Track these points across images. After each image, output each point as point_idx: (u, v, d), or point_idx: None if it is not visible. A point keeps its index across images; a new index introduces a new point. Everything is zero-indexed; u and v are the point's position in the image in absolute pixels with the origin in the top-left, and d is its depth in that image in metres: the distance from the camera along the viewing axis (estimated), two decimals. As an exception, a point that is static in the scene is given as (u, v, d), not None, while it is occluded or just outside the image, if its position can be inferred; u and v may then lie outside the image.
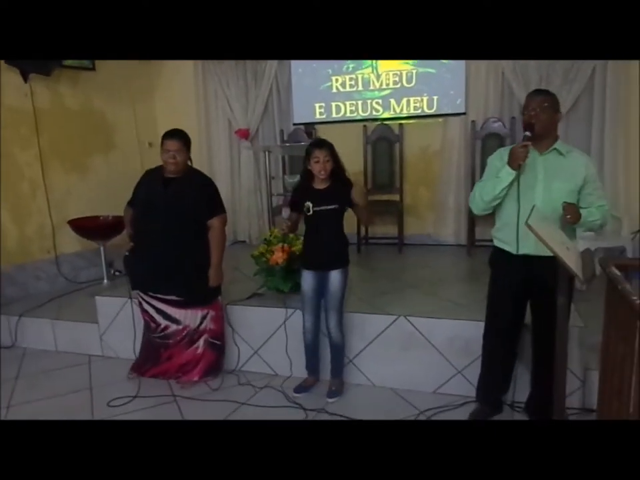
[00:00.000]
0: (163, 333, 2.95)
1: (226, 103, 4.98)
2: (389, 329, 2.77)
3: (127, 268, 2.99)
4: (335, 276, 2.57)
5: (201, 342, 2.92)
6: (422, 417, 2.50)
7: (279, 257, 2.92)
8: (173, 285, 2.80)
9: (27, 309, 3.64)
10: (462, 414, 2.48)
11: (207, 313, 2.90)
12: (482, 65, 4.26)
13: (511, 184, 2.06)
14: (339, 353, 2.73)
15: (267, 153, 3.55)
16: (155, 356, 3.00)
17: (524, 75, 4.12)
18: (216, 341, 2.96)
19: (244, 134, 4.88)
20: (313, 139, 4.54)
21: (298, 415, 2.56)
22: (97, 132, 4.58)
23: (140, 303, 2.99)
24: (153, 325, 2.96)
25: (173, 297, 2.86)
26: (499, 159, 2.17)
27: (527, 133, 2.02)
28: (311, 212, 2.53)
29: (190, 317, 2.89)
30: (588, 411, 2.43)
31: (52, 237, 4.19)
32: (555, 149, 2.09)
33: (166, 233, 2.68)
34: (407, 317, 2.73)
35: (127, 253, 2.90)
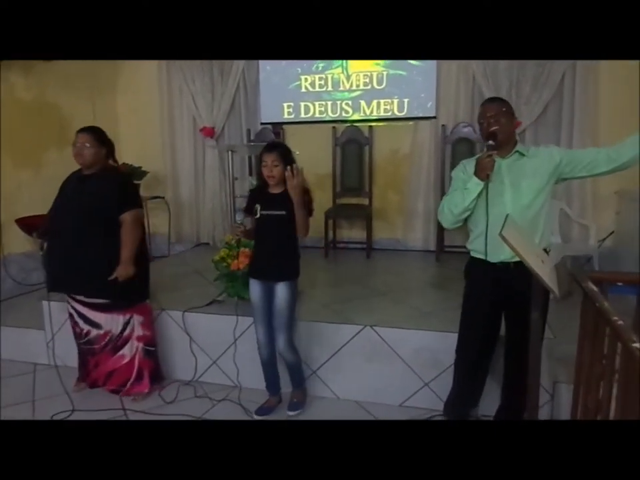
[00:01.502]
0: (86, 339, 2.77)
1: (191, 100, 4.79)
2: (354, 339, 2.65)
3: (44, 268, 2.82)
4: (280, 290, 2.39)
5: (127, 349, 2.74)
6: (387, 432, 2.39)
7: (240, 262, 2.76)
8: (85, 285, 2.63)
9: (-31, 313, 3.38)
10: (428, 428, 2.39)
11: (131, 318, 2.72)
12: (453, 69, 4.22)
13: (479, 194, 1.99)
14: (295, 370, 2.57)
15: (230, 152, 3.38)
16: (85, 364, 2.84)
17: (494, 79, 4.08)
18: (151, 348, 2.80)
19: (209, 132, 4.70)
20: (279, 140, 4.42)
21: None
22: (52, 126, 4.32)
23: (67, 307, 2.82)
24: (77, 330, 2.80)
25: (91, 300, 2.69)
26: (462, 171, 2.13)
27: (491, 142, 1.97)
28: (258, 215, 2.37)
29: (111, 322, 2.71)
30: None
31: (-2, 235, 3.92)
32: (516, 151, 2.06)
33: (77, 230, 2.54)
34: (373, 327, 2.62)
35: (41, 253, 2.75)
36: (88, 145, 2.55)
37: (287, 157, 2.32)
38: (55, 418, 2.54)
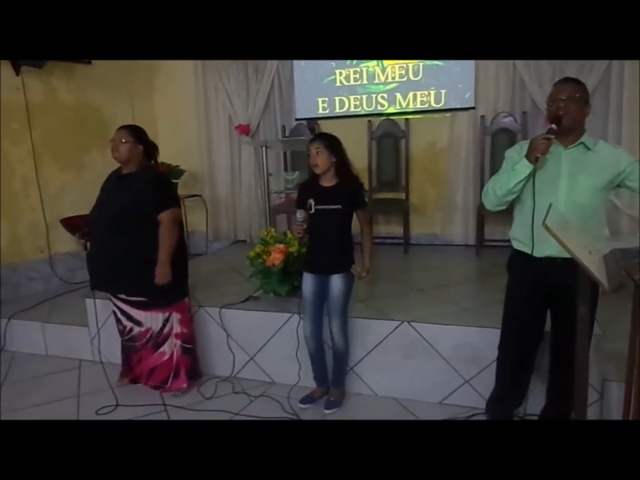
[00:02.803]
0: (129, 336, 2.83)
1: (226, 98, 4.83)
2: (391, 335, 2.61)
3: (88, 267, 2.85)
4: (336, 280, 2.39)
5: (167, 346, 2.78)
6: (427, 430, 2.34)
7: (275, 258, 2.76)
8: (125, 284, 2.68)
9: (18, 311, 3.52)
10: (470, 427, 2.32)
11: (170, 315, 2.74)
12: (492, 57, 4.08)
13: (528, 178, 1.87)
14: (341, 360, 2.56)
15: (264, 148, 3.38)
16: (128, 360, 2.91)
17: (536, 67, 3.92)
18: (188, 345, 2.82)
19: (244, 130, 4.73)
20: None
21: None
22: (93, 128, 4.44)
23: (111, 305, 2.89)
24: (120, 327, 2.86)
25: (132, 298, 2.74)
26: (517, 151, 1.99)
27: (553, 126, 1.83)
28: (313, 210, 2.36)
29: (151, 319, 2.74)
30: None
31: (45, 235, 4.06)
32: (581, 142, 1.90)
33: (116, 229, 2.57)
34: (411, 323, 2.57)
35: (85, 252, 2.81)
36: (123, 140, 2.58)
37: (331, 145, 2.33)
38: (100, 412, 2.61)
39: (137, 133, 2.65)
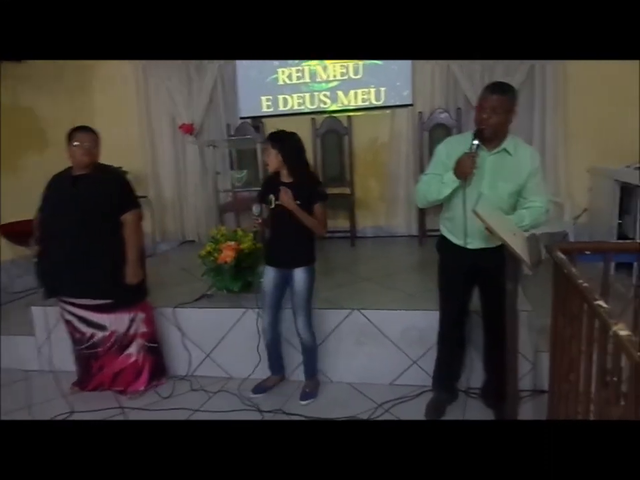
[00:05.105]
0: (89, 342, 2.76)
1: (168, 97, 4.79)
2: (343, 323, 2.73)
3: (38, 275, 2.73)
4: (299, 275, 2.46)
5: (134, 347, 2.77)
6: (380, 410, 2.48)
7: (227, 255, 2.81)
8: (88, 287, 2.62)
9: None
10: (420, 404, 2.48)
11: (135, 316, 2.74)
12: (426, 56, 4.28)
13: (456, 187, 2.01)
14: (310, 353, 2.64)
15: (211, 147, 3.41)
16: (87, 369, 2.83)
17: (467, 65, 4.16)
18: (152, 344, 2.82)
19: (188, 129, 4.71)
20: (259, 133, 4.46)
21: (254, 418, 2.49)
22: (29, 129, 4.28)
23: (61, 314, 2.79)
24: (77, 335, 2.77)
25: (95, 302, 2.67)
26: (445, 153, 2.10)
27: (475, 142, 1.92)
28: (273, 205, 2.43)
29: (116, 322, 2.72)
30: (539, 392, 2.48)
31: (-19, 243, 3.89)
32: (503, 148, 2.02)
33: (76, 232, 2.52)
34: (361, 310, 2.70)
35: (35, 259, 2.67)
36: (94, 144, 2.54)
37: (281, 144, 2.38)
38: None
39: (97, 135, 2.60)
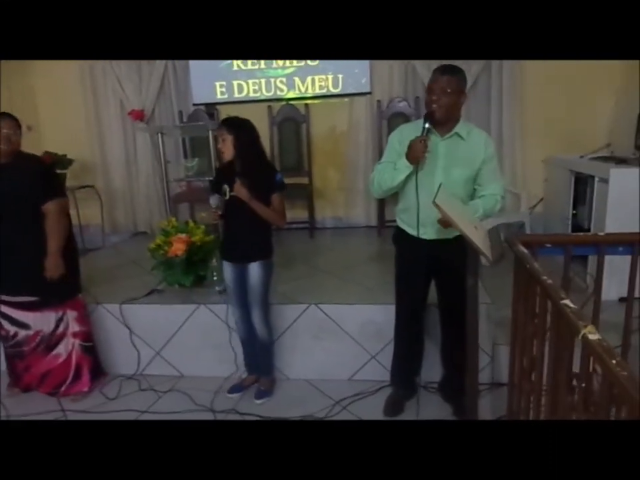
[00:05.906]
0: (13, 341, 2.58)
1: (116, 82, 4.53)
2: (300, 319, 2.64)
3: None
4: (254, 269, 2.34)
5: (62, 347, 2.60)
6: (338, 408, 2.41)
7: (177, 248, 2.67)
8: (10, 283, 2.45)
9: None
10: (378, 400, 2.43)
11: (64, 314, 2.58)
12: (385, 43, 4.20)
13: (410, 173, 1.97)
14: (267, 349, 2.54)
15: (160, 134, 3.23)
16: (14, 368, 2.67)
17: (426, 54, 4.11)
18: (88, 343, 2.67)
19: (138, 115, 4.48)
20: (214, 120, 4.28)
21: (207, 418, 2.37)
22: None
23: None
24: (2, 332, 2.61)
25: (18, 299, 2.51)
26: (398, 140, 2.05)
27: (427, 125, 1.88)
28: (228, 196, 2.29)
29: (41, 320, 2.55)
30: (498, 385, 2.47)
31: None
32: (456, 133, 1.99)
33: None
34: (318, 305, 2.62)
35: None
36: (13, 131, 2.36)
37: (237, 130, 2.24)
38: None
39: (18, 121, 2.42)
